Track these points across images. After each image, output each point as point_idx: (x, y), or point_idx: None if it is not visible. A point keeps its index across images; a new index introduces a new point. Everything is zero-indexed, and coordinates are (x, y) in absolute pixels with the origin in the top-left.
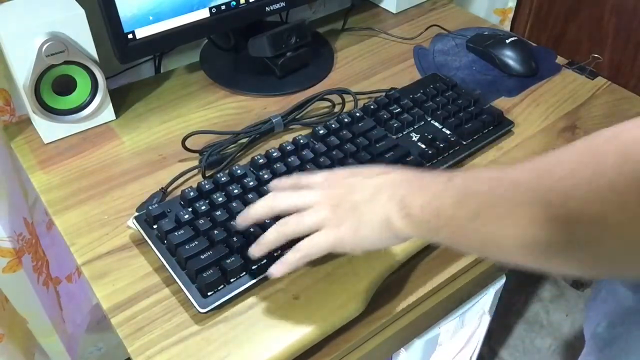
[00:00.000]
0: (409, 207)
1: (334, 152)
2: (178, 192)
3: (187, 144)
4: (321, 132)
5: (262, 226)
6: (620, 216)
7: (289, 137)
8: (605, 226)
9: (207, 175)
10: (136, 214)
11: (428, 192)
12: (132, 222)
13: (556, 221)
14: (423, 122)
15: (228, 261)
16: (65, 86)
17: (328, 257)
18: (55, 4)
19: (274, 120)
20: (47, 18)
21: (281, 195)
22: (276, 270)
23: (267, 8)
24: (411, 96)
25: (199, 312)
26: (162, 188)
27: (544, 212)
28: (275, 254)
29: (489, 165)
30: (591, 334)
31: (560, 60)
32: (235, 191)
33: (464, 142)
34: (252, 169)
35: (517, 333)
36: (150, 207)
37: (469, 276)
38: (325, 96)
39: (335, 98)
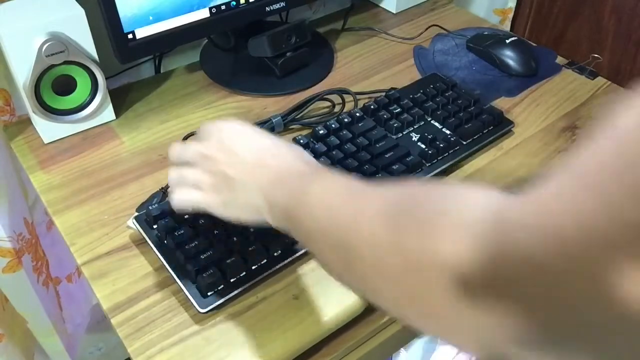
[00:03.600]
0: (272, 205)
1: (333, 152)
2: None
3: None
4: (321, 132)
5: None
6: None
7: (289, 137)
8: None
9: None
10: (136, 214)
11: (285, 191)
12: (132, 222)
13: None
14: (423, 122)
15: (228, 261)
16: (65, 86)
17: None
18: (55, 4)
19: (274, 120)
20: (47, 18)
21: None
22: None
23: (267, 8)
24: (411, 96)
25: (199, 312)
26: (162, 188)
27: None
28: (275, 254)
29: (489, 166)
30: None
31: (560, 60)
32: None
33: (464, 142)
34: None
35: None
36: (150, 207)
37: None
38: (325, 96)
39: (335, 98)
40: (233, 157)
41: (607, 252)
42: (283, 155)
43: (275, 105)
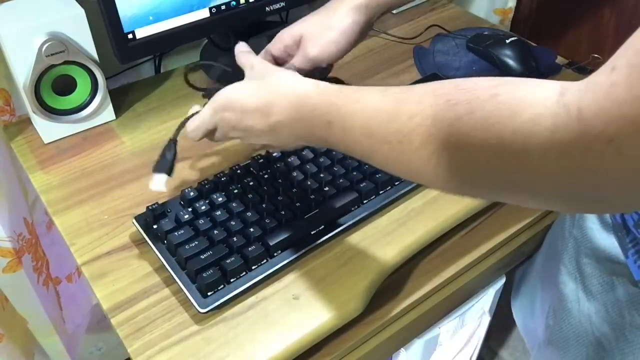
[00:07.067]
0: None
1: (333, 152)
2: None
3: None
4: None
5: (261, 226)
6: None
7: None
8: None
9: None
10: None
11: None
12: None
13: None
14: None
15: (228, 261)
16: (65, 86)
17: (328, 257)
18: (55, 4)
19: None
20: (47, 18)
21: None
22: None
23: (267, 8)
24: None
25: (199, 312)
26: (171, 139)
27: None
28: (275, 254)
29: None
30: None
31: (560, 60)
32: (236, 191)
33: None
34: (252, 169)
35: (517, 333)
36: (150, 208)
37: (469, 276)
38: None
39: None
40: (250, 134)
41: None
42: (286, 109)
43: None
